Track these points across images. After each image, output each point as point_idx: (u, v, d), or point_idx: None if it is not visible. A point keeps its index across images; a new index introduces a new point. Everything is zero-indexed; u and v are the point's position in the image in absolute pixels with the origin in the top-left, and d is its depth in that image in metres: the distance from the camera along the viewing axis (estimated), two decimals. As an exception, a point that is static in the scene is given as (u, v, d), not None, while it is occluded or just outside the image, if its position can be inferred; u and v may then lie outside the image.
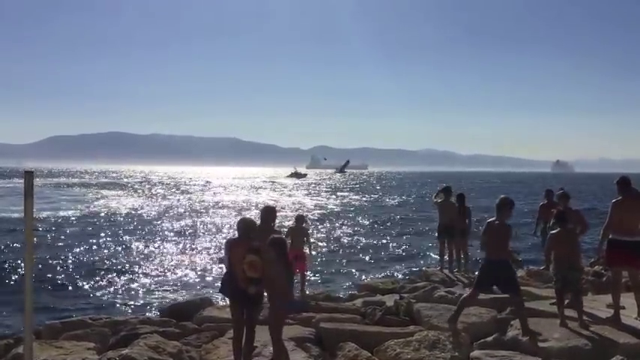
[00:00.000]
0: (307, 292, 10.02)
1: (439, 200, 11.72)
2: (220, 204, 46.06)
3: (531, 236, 14.24)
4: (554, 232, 7.18)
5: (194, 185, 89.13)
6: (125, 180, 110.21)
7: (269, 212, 7.32)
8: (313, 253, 12.21)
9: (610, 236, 7.22)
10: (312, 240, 11.47)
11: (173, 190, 72.41)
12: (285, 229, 10.42)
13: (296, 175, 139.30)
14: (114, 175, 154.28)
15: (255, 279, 5.72)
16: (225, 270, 6.28)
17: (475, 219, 12.27)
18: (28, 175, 3.47)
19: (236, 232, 6.20)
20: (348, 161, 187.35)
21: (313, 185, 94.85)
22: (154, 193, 63.73)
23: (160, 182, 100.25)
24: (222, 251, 6.25)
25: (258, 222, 6.77)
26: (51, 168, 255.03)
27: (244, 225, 6.11)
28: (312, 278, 12.88)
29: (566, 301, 7.13)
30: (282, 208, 37.58)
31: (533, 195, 53.26)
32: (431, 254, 18.87)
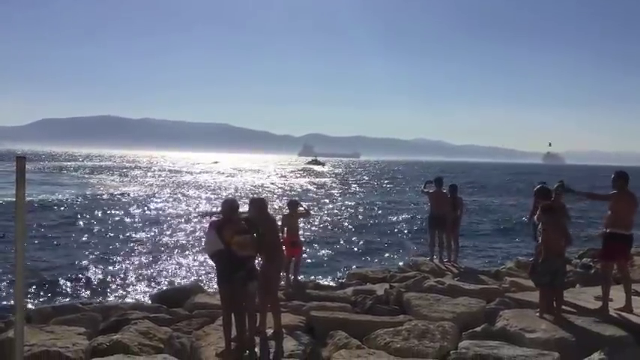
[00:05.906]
0: (300, 279, 10.07)
1: (430, 190, 11.76)
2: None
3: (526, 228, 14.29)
4: (544, 222, 7.10)
5: (197, 172, 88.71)
6: (122, 165, 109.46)
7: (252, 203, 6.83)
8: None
9: (608, 230, 7.23)
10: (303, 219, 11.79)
11: (171, 174, 72.10)
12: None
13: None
14: (107, 159, 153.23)
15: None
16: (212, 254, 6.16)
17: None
18: (20, 161, 3.33)
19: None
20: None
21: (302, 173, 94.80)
22: (148, 178, 63.39)
23: (158, 168, 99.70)
24: (205, 234, 6.28)
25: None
26: (42, 151, 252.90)
27: (229, 206, 6.13)
28: (302, 266, 12.89)
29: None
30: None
31: (527, 187, 53.56)
32: (421, 244, 18.95)
